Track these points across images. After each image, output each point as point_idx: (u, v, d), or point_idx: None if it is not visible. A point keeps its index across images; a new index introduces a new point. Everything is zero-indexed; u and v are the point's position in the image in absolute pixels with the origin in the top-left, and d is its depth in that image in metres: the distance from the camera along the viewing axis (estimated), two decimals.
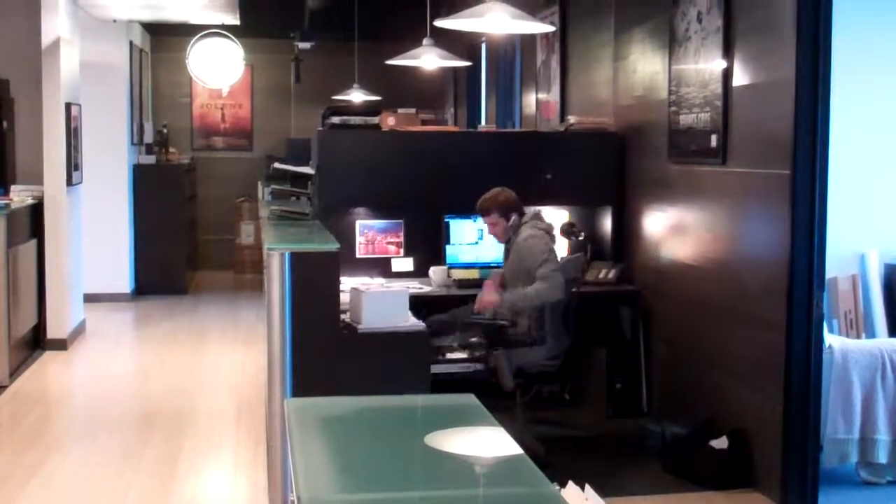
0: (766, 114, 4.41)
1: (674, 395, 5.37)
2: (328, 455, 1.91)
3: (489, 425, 2.08)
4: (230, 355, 7.49)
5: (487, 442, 2.01)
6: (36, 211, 7.39)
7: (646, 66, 5.68)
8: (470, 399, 2.34)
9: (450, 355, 4.70)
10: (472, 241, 5.83)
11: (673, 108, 5.22)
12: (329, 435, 2.05)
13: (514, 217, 5.07)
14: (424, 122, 7.34)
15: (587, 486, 1.80)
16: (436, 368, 4.45)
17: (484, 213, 5.14)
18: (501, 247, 5.29)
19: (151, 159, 10.41)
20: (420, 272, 5.80)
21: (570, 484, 1.84)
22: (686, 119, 5.08)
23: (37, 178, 7.55)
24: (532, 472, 1.77)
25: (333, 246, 4.36)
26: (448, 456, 1.92)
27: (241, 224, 11.67)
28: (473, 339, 4.82)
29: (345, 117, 5.77)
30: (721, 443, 4.59)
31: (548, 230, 5.05)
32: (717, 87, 4.76)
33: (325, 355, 4.18)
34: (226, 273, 11.58)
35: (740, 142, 4.64)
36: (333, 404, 2.45)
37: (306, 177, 7.39)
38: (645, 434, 5.13)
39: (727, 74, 4.70)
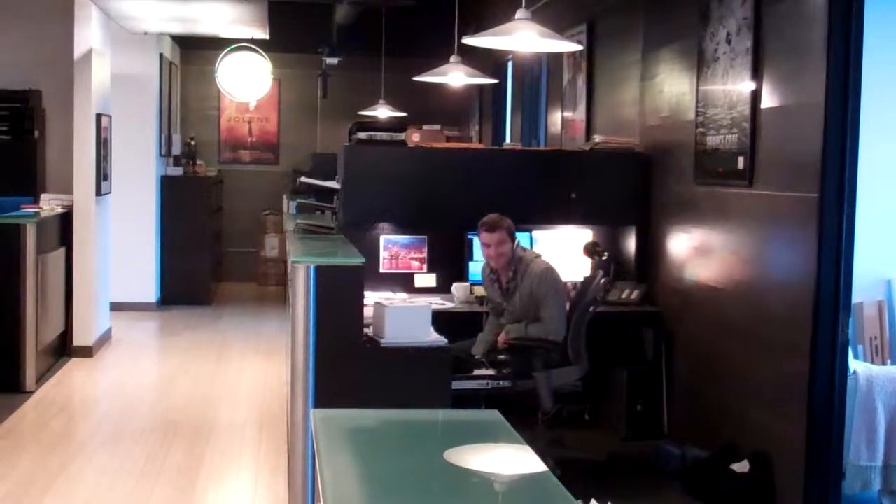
0: (794, 136, 4.40)
1: (695, 418, 5.34)
2: (354, 466, 1.92)
3: (514, 442, 2.08)
4: (253, 366, 7.53)
5: (513, 459, 2.02)
6: (65, 220, 7.47)
7: (673, 86, 5.68)
8: (495, 416, 2.35)
9: (476, 371, 4.70)
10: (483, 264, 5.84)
11: (700, 129, 5.22)
12: (355, 446, 2.07)
13: (517, 244, 5.02)
14: (449, 139, 7.36)
15: None
16: (457, 384, 4.45)
17: (492, 229, 4.94)
18: None
19: (179, 171, 10.50)
20: (443, 288, 5.82)
21: (593, 502, 1.84)
22: (713, 140, 5.08)
23: (66, 187, 7.64)
24: (557, 491, 1.77)
25: (358, 260, 4.38)
26: (473, 472, 1.93)
27: (265, 237, 11.74)
28: (501, 357, 4.81)
29: (371, 133, 5.80)
30: (742, 466, 4.56)
31: None
32: (745, 109, 4.75)
33: (348, 368, 4.20)
34: (249, 285, 11.64)
35: (767, 164, 4.62)
36: (359, 416, 2.46)
37: (332, 191, 7.43)
38: (665, 456, 5.10)
39: (755, 96, 4.69)
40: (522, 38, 4.33)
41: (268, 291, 11.36)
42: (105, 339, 8.00)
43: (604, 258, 5.45)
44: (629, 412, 5.54)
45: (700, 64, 5.23)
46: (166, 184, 10.13)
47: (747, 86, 4.74)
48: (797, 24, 4.40)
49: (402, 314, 4.24)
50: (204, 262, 10.31)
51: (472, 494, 1.89)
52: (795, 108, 4.42)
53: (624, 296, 5.74)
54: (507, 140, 9.39)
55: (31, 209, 7.17)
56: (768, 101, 4.62)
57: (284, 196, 11.10)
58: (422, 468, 2.02)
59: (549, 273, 4.95)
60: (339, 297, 4.22)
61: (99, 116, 7.66)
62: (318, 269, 4.20)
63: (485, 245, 5.02)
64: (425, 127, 7.42)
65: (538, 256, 5.06)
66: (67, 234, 7.49)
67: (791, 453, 4.34)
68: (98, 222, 7.73)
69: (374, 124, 6.41)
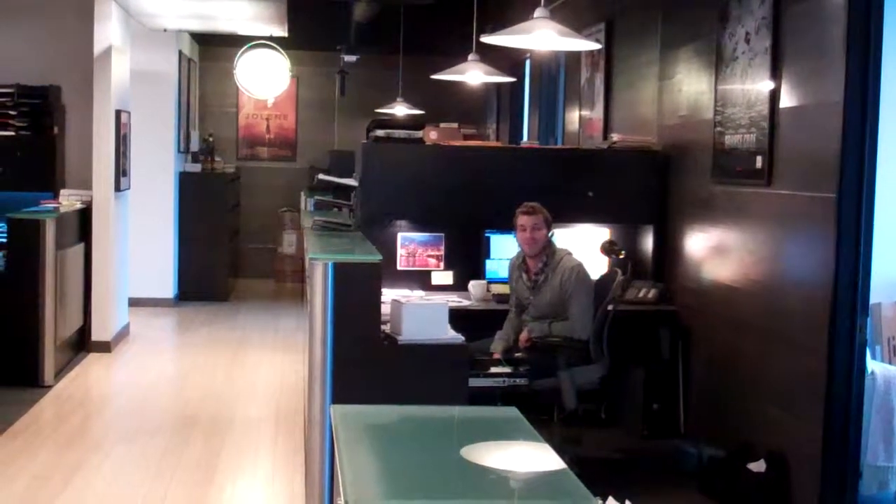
0: (812, 136, 4.39)
1: (711, 417, 5.33)
2: (373, 462, 1.94)
3: (533, 439, 2.09)
4: (269, 363, 7.56)
5: (532, 456, 2.03)
6: (84, 215, 7.52)
7: (691, 85, 5.67)
8: (513, 412, 2.36)
9: (493, 369, 4.70)
10: (511, 257, 5.84)
11: (718, 129, 5.21)
12: (374, 442, 2.08)
13: (552, 236, 5.05)
14: (466, 137, 7.37)
15: (627, 502, 1.81)
16: (474, 382, 4.45)
17: (531, 213, 4.99)
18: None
19: (197, 168, 10.55)
20: (459, 286, 5.82)
21: (611, 499, 1.85)
22: (731, 139, 5.07)
23: (85, 183, 7.69)
24: (576, 487, 1.78)
25: (376, 257, 4.39)
26: (492, 469, 1.94)
27: (283, 233, 11.78)
28: (519, 355, 4.81)
29: (389, 130, 5.81)
30: (759, 466, 4.56)
31: None
32: (764, 108, 4.74)
33: (366, 365, 4.21)
34: (266, 281, 11.69)
35: (786, 164, 4.61)
36: (378, 412, 2.47)
37: (349, 188, 7.46)
38: (681, 455, 5.10)
39: (774, 95, 4.68)
40: (541, 36, 4.33)
41: (285, 288, 11.40)
42: (123, 334, 8.06)
43: (621, 257, 5.44)
44: (645, 411, 5.54)
45: (718, 63, 5.22)
46: (184, 180, 10.18)
47: (766, 85, 4.73)
48: (816, 24, 4.38)
49: (420, 311, 4.25)
50: (221, 259, 10.36)
51: (489, 491, 1.90)
52: (814, 108, 4.40)
53: (641, 295, 5.73)
54: (525, 138, 9.39)
55: (50, 205, 7.22)
56: (787, 100, 4.60)
57: (302, 193, 11.14)
58: (439, 464, 2.04)
59: (580, 270, 4.96)
60: (356, 294, 4.23)
61: (118, 112, 7.70)
62: (336, 266, 4.21)
63: (521, 228, 5.04)
64: (442, 125, 7.44)
65: (570, 253, 5.07)
66: (86, 230, 7.54)
67: (808, 453, 4.33)
68: (117, 218, 7.78)
69: (391, 122, 6.43)
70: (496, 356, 4.86)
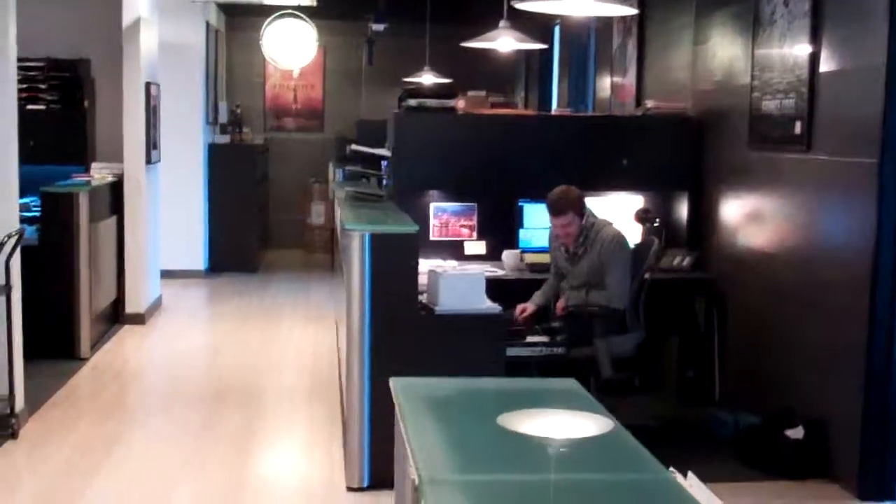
0: (854, 100, 4.32)
1: (747, 385, 5.31)
2: (439, 435, 1.93)
3: (596, 411, 2.09)
4: (302, 333, 7.60)
5: (598, 426, 2.02)
6: (116, 188, 7.55)
7: (727, 50, 5.60)
8: (573, 384, 2.36)
9: (530, 338, 4.70)
10: (545, 226, 5.81)
11: (755, 94, 5.14)
12: (437, 414, 2.07)
13: (586, 216, 4.95)
14: (494, 105, 7.31)
15: (690, 473, 1.80)
16: (510, 351, 4.45)
17: (560, 213, 4.86)
18: None
19: (226, 139, 10.56)
20: (492, 256, 5.81)
21: (672, 470, 1.84)
22: (769, 105, 5.00)
23: (116, 156, 7.72)
24: (648, 459, 1.78)
25: (412, 228, 4.40)
26: (563, 440, 1.93)
27: (311, 204, 11.79)
28: (555, 325, 4.80)
29: (421, 100, 5.78)
30: (797, 433, 4.54)
31: None
32: (803, 73, 4.67)
33: (403, 335, 4.23)
34: (295, 252, 11.72)
35: (826, 129, 4.55)
36: (438, 385, 2.46)
37: (377, 158, 7.44)
38: (717, 423, 5.09)
39: (814, 59, 4.61)
40: (577, 2, 4.27)
41: (314, 258, 11.43)
42: (156, 306, 8.11)
43: (655, 225, 5.40)
44: (680, 379, 5.52)
45: (756, 27, 5.14)
46: (213, 152, 10.18)
47: (805, 49, 4.65)
48: None
49: (457, 282, 4.26)
50: (251, 230, 10.38)
51: (560, 463, 1.89)
52: (856, 72, 4.34)
53: (676, 262, 5.70)
54: (554, 106, 9.33)
55: (82, 178, 7.25)
56: (827, 64, 4.53)
57: (330, 163, 11.14)
58: (498, 437, 2.03)
59: (619, 239, 4.90)
60: (393, 265, 4.24)
61: (148, 85, 7.70)
62: (373, 237, 4.22)
63: (553, 225, 4.97)
64: (470, 93, 7.38)
65: (610, 223, 5.00)
66: (118, 203, 7.57)
67: (847, 419, 4.31)
68: (148, 190, 7.80)
69: (423, 91, 6.39)
70: (527, 310, 4.83)
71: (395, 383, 2.26)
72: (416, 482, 1.66)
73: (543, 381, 2.79)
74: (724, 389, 5.52)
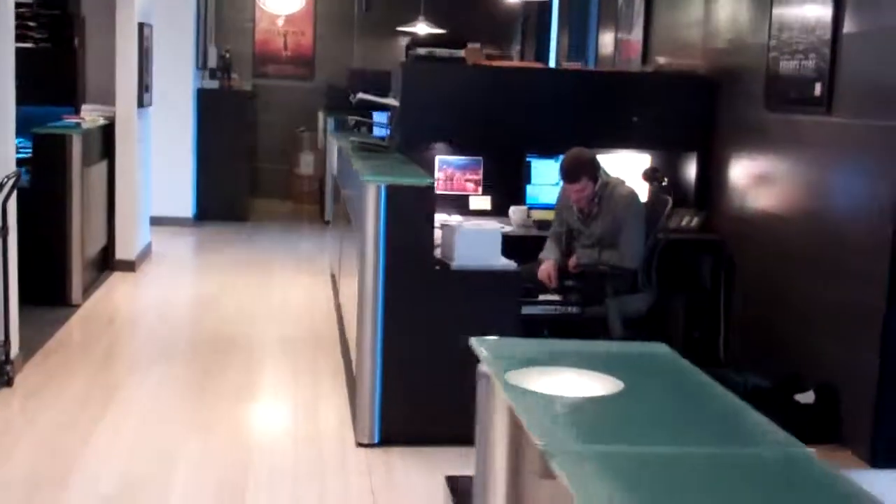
0: (878, 62, 4.24)
1: (753, 347, 5.28)
2: (545, 401, 1.86)
3: (697, 377, 2.06)
4: (296, 284, 7.50)
5: (698, 398, 1.98)
6: (107, 132, 7.36)
7: (742, 7, 5.50)
8: (663, 348, 2.32)
9: (542, 297, 4.64)
10: (553, 182, 5.73)
11: (773, 54, 5.05)
12: (539, 379, 1.98)
13: (601, 176, 4.87)
14: (489, 58, 7.19)
15: None
16: (525, 309, 4.39)
17: (574, 180, 4.77)
18: None
19: (215, 85, 10.34)
20: (498, 211, 5.72)
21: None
22: (787, 65, 4.92)
23: (106, 98, 7.51)
24: (774, 430, 1.74)
25: (428, 180, 4.30)
26: (700, 407, 1.86)
27: (300, 154, 11.61)
28: (569, 283, 4.73)
29: (430, 49, 5.66)
30: (807, 397, 4.52)
31: None
32: (825, 33, 4.58)
33: (418, 290, 4.16)
34: (283, 202, 11.56)
35: (847, 91, 4.47)
36: (527, 346, 2.37)
37: (369, 106, 7.30)
38: (726, 384, 5.05)
39: (837, 19, 4.51)
40: None
41: (303, 209, 11.28)
42: (146, 253, 7.97)
43: (663, 184, 5.34)
44: (686, 339, 5.49)
45: None
46: (202, 97, 9.97)
47: (828, 8, 4.56)
48: None
49: (474, 237, 4.18)
50: (240, 179, 10.21)
51: (701, 430, 1.88)
52: (880, 32, 4.25)
53: (684, 223, 5.64)
54: (552, 60, 9.19)
55: (73, 120, 7.05)
56: (851, 24, 4.45)
57: (320, 112, 10.96)
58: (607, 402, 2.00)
59: (633, 198, 4.83)
60: (409, 218, 4.15)
61: (141, 26, 7.49)
62: (389, 188, 4.12)
63: (567, 190, 4.88)
64: (469, 45, 7.24)
65: (623, 182, 4.92)
66: (109, 147, 7.40)
67: (860, 384, 4.29)
68: (140, 135, 7.62)
69: (427, 40, 6.25)
70: (551, 274, 4.76)
71: (477, 343, 2.18)
72: (542, 451, 1.59)
73: (633, 344, 2.72)
74: (730, 351, 5.50)
